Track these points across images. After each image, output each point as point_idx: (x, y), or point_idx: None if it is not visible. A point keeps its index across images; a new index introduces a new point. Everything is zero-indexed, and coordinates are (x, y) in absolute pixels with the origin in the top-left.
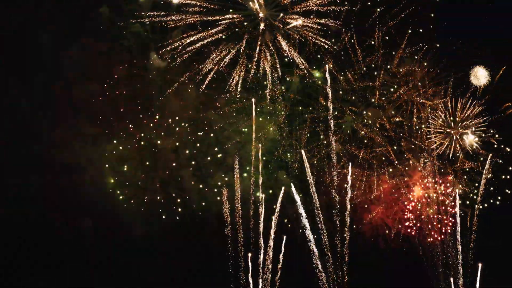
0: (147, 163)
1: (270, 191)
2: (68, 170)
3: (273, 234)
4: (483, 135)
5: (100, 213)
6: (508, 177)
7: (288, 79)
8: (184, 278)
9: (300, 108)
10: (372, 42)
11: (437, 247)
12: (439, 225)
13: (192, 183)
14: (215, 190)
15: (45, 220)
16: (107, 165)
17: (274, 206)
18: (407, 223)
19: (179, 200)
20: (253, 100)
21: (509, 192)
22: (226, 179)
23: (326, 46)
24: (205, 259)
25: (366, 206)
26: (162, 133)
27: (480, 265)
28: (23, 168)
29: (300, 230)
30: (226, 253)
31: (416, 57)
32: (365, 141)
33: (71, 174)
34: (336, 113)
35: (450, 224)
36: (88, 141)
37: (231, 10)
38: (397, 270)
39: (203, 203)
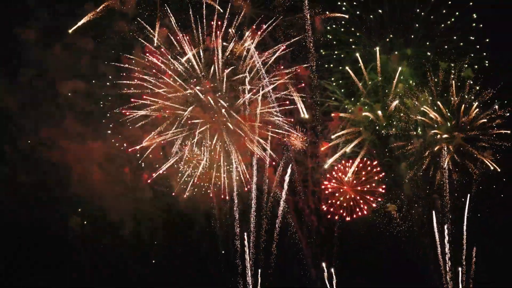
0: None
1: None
2: (55, 168)
3: (264, 234)
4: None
5: (89, 211)
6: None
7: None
8: (174, 277)
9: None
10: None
11: (428, 246)
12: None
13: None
14: (203, 189)
15: (34, 219)
16: (94, 163)
17: (264, 205)
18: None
19: (167, 198)
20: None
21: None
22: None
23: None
24: (194, 258)
25: (356, 205)
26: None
27: (473, 262)
28: (10, 166)
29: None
30: (215, 252)
31: None
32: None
33: (59, 172)
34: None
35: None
36: (75, 139)
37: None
38: (390, 269)
39: (192, 202)
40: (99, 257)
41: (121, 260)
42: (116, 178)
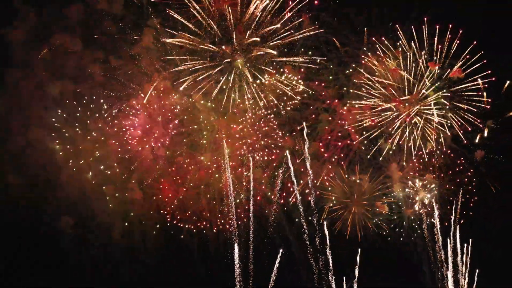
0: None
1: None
2: (45, 170)
3: (251, 237)
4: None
5: (80, 212)
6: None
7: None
8: (166, 279)
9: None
10: None
11: (420, 246)
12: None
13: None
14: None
15: (26, 221)
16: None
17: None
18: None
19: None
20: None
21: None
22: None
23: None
24: (193, 258)
25: (346, 206)
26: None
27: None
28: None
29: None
30: (206, 255)
31: None
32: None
33: (48, 174)
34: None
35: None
36: (64, 140)
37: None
38: (384, 269)
39: (182, 204)
40: (99, 257)
41: (121, 260)
42: (108, 180)
